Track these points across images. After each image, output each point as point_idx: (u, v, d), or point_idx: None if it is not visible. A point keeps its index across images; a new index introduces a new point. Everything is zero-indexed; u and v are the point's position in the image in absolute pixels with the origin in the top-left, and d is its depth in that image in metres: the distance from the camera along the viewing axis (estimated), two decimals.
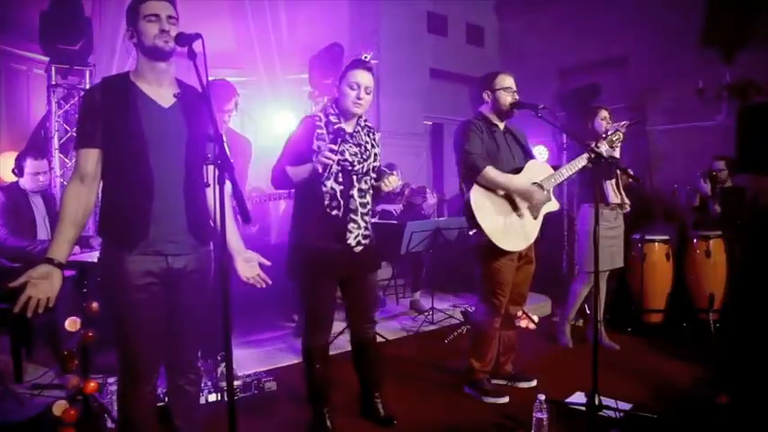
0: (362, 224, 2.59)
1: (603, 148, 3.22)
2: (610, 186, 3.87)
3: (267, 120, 6.29)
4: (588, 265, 4.00)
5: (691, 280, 4.70)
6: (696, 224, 4.91)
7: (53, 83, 4.90)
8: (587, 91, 6.01)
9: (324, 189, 2.50)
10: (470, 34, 7.86)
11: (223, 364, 2.96)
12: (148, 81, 1.96)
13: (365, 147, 2.63)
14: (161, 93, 1.97)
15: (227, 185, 1.67)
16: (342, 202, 2.53)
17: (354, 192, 2.57)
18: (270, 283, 2.17)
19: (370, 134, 2.70)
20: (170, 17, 1.92)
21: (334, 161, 2.41)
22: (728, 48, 5.72)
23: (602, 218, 3.80)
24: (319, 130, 2.55)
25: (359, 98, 2.55)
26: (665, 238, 4.71)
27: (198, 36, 1.82)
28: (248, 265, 2.16)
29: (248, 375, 3.18)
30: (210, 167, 1.84)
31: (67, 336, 2.91)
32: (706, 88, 5.78)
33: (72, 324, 2.75)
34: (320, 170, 2.41)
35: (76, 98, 4.93)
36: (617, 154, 3.48)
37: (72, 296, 2.93)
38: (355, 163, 2.56)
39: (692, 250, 4.68)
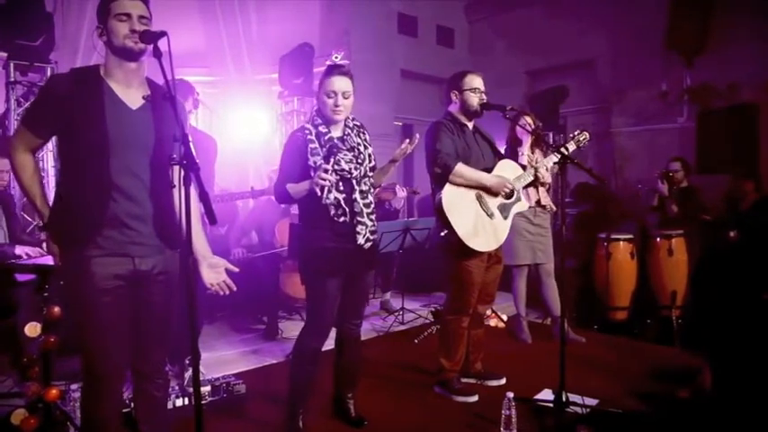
0: (369, 223, 2.61)
1: (571, 148, 3.26)
2: (524, 190, 3.92)
3: (237, 119, 6.23)
4: (510, 258, 4.07)
5: (654, 278, 4.82)
6: (660, 223, 5.03)
7: (12, 80, 4.75)
8: (555, 93, 6.11)
9: (327, 201, 2.50)
10: (441, 35, 7.91)
11: (191, 368, 2.92)
12: (117, 80, 1.92)
13: (358, 149, 2.62)
14: (130, 93, 1.93)
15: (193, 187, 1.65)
16: (347, 209, 2.54)
17: (357, 195, 2.57)
18: (234, 289, 2.12)
19: (361, 134, 2.69)
20: (141, 17, 1.88)
21: (331, 181, 2.40)
22: (689, 53, 5.88)
23: (519, 215, 3.89)
24: (312, 145, 2.54)
25: (337, 105, 2.54)
26: (630, 236, 4.82)
27: (163, 34, 1.80)
28: (213, 272, 2.11)
29: (217, 379, 3.14)
30: (176, 168, 1.81)
31: (27, 342, 2.82)
32: (669, 92, 5.95)
33: (32, 329, 2.66)
34: (319, 193, 2.41)
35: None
36: (553, 159, 3.45)
37: (32, 301, 2.85)
38: (352, 170, 2.56)
39: (655, 249, 4.80)
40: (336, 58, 2.67)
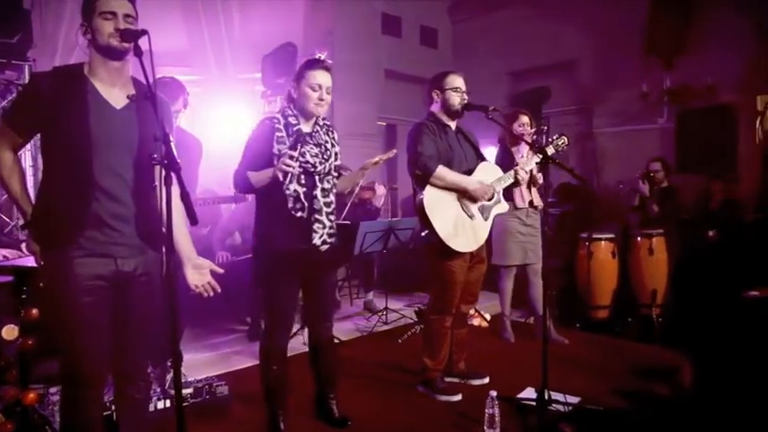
0: (327, 223, 2.59)
1: (550, 152, 3.29)
2: (517, 191, 3.96)
3: (219, 120, 6.18)
4: (499, 259, 4.16)
5: (635, 276, 4.87)
6: (640, 223, 5.10)
7: None
8: (537, 93, 6.16)
9: (287, 192, 2.48)
10: (424, 36, 7.92)
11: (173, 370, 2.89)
12: (101, 79, 1.90)
13: (325, 146, 2.62)
14: (114, 92, 1.92)
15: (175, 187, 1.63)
16: (306, 204, 2.52)
17: (318, 192, 2.56)
18: (219, 291, 2.11)
19: (329, 133, 2.69)
20: (127, 16, 1.86)
21: (294, 168, 2.39)
22: (669, 54, 5.96)
23: (512, 215, 3.94)
24: (279, 133, 2.52)
25: (321, 99, 2.54)
26: (611, 236, 4.87)
27: (144, 32, 1.79)
28: (198, 273, 2.09)
29: (199, 380, 3.11)
30: (158, 168, 1.80)
31: (4, 345, 2.77)
32: (649, 93, 6.02)
33: (9, 332, 2.62)
34: (281, 178, 2.40)
35: (15, 94, 4.71)
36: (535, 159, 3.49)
37: (9, 303, 2.80)
38: (317, 164, 2.55)
39: (636, 248, 4.86)
40: (320, 57, 2.68)
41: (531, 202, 4.08)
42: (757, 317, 4.33)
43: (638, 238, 4.86)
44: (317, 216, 2.54)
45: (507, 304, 4.37)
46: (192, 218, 1.63)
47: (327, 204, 2.59)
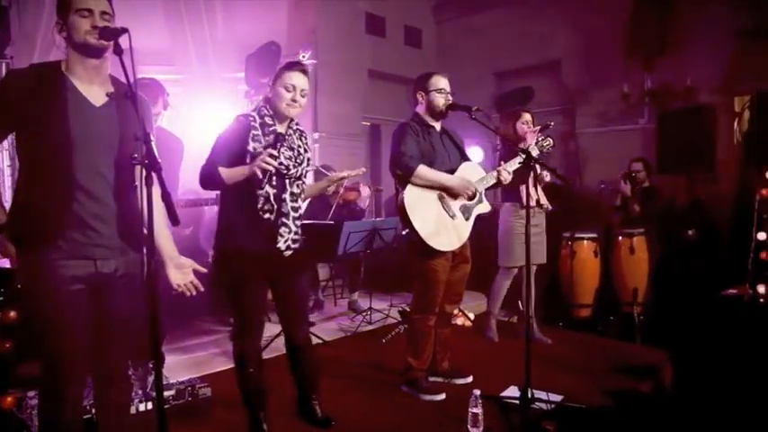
0: (293, 228, 2.56)
1: (534, 152, 3.31)
2: (524, 189, 3.99)
3: (202, 119, 6.12)
4: (505, 260, 4.16)
5: (616, 275, 4.93)
6: (622, 223, 5.15)
7: None
8: (521, 94, 6.20)
9: (258, 192, 2.45)
10: (408, 36, 7.93)
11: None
12: (80, 77, 1.87)
13: (298, 150, 2.61)
14: (93, 90, 1.89)
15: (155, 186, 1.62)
16: (275, 206, 2.50)
17: (287, 195, 2.54)
18: (202, 290, 2.10)
19: (302, 138, 2.68)
20: (104, 13, 1.84)
21: (275, 167, 2.37)
22: (649, 56, 6.04)
23: (518, 216, 3.96)
24: (255, 131, 2.50)
25: (294, 100, 2.52)
26: (593, 235, 4.92)
27: (124, 30, 1.76)
28: (180, 272, 2.08)
29: (182, 382, 3.08)
30: (138, 168, 1.78)
31: None
32: (630, 93, 6.09)
33: None
34: (260, 176, 2.37)
35: None
36: (534, 153, 3.55)
37: None
38: (290, 167, 2.54)
39: (618, 247, 4.91)
40: (303, 57, 2.67)
41: (537, 201, 4.08)
42: (734, 315, 4.41)
43: (620, 238, 4.92)
44: (283, 220, 2.52)
45: (498, 304, 4.38)
46: (173, 218, 1.61)
47: (295, 209, 2.57)
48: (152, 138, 1.69)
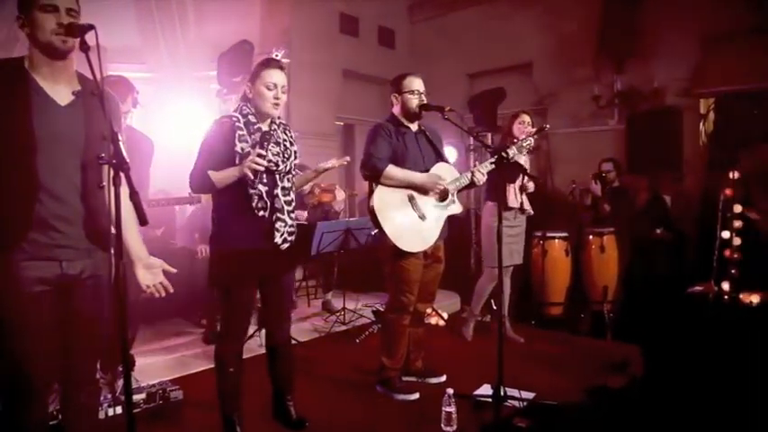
0: (289, 221, 2.58)
1: (512, 151, 3.33)
2: (512, 190, 4.05)
3: (173, 118, 6.04)
4: (490, 261, 4.19)
5: (586, 274, 5.01)
6: (592, 222, 5.24)
7: None
8: (493, 94, 6.25)
9: (252, 191, 2.46)
10: (382, 36, 7.94)
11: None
12: (44, 74, 1.81)
13: (284, 145, 2.60)
14: (58, 88, 1.83)
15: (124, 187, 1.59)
16: (268, 203, 2.50)
17: (279, 191, 2.54)
18: (171, 291, 2.07)
19: (287, 131, 2.67)
20: (70, 10, 1.77)
21: (264, 167, 2.37)
22: (619, 58, 6.15)
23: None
24: (240, 132, 2.49)
25: (276, 98, 2.51)
26: (564, 234, 4.99)
27: (90, 27, 1.71)
28: (149, 273, 2.05)
29: (153, 385, 3.03)
30: (106, 168, 1.74)
31: None
32: (600, 95, 6.19)
33: None
34: (251, 176, 2.37)
35: None
36: (522, 160, 3.63)
37: None
38: (279, 163, 2.53)
39: (588, 246, 4.99)
40: (277, 56, 2.66)
41: (521, 205, 4.14)
42: (700, 311, 4.52)
43: (590, 237, 5.00)
44: (278, 215, 2.53)
45: (480, 304, 4.40)
46: (142, 218, 1.59)
47: (288, 203, 2.58)
48: (120, 137, 1.66)
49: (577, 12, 6.44)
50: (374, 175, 3.04)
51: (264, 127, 2.57)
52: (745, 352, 3.67)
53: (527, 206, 4.18)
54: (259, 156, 2.34)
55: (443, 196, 3.20)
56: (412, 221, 3.11)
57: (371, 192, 3.13)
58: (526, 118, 4.11)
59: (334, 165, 2.86)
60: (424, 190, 3.15)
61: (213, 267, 2.59)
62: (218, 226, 2.57)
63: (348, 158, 3.05)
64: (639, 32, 5.99)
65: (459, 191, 3.28)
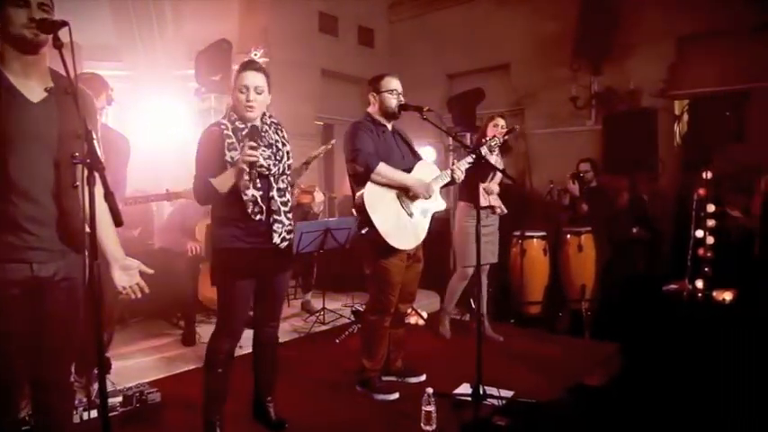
0: (286, 221, 2.57)
1: (483, 151, 3.37)
2: (483, 189, 4.08)
3: (150, 117, 5.96)
4: (462, 261, 4.23)
5: (564, 273, 5.06)
6: (570, 221, 5.30)
7: None
8: (472, 95, 6.28)
9: (245, 198, 2.45)
10: (362, 36, 7.94)
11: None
12: (14, 71, 1.76)
13: (276, 146, 2.58)
14: (30, 85, 1.78)
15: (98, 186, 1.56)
16: (263, 207, 2.50)
17: (274, 193, 2.53)
18: (147, 291, 2.05)
19: (279, 131, 2.65)
20: (42, 4, 1.73)
21: (257, 158, 2.36)
22: (596, 60, 6.23)
23: (471, 216, 4.06)
24: (229, 140, 2.47)
25: (249, 101, 2.49)
26: (543, 234, 5.04)
27: (64, 24, 1.67)
28: (126, 274, 2.02)
29: (129, 388, 2.99)
30: (80, 167, 1.71)
31: None
32: (578, 96, 6.27)
33: None
34: (247, 169, 2.37)
35: None
36: (492, 159, 3.64)
37: None
38: (271, 166, 2.52)
39: (566, 245, 5.05)
40: (256, 55, 2.63)
41: (491, 205, 4.18)
42: (675, 309, 4.60)
43: (568, 236, 5.05)
44: (275, 216, 2.53)
45: (453, 303, 4.44)
46: (117, 219, 1.56)
47: (284, 204, 2.58)
48: (94, 135, 1.63)
49: (555, 14, 6.51)
50: (366, 171, 3.02)
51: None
52: (718, 348, 3.75)
53: (496, 203, 4.22)
54: (251, 147, 2.34)
55: (430, 194, 3.23)
56: (402, 219, 3.12)
57: (354, 191, 3.13)
58: (501, 121, 4.18)
59: (320, 152, 2.89)
60: (413, 192, 3.16)
61: (213, 264, 2.60)
62: (217, 227, 2.57)
63: (333, 141, 3.05)
64: (615, 34, 6.08)
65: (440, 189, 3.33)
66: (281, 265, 2.66)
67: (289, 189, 2.64)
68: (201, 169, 2.48)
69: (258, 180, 2.49)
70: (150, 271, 2.07)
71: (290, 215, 2.61)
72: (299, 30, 6.98)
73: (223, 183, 2.42)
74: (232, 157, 2.44)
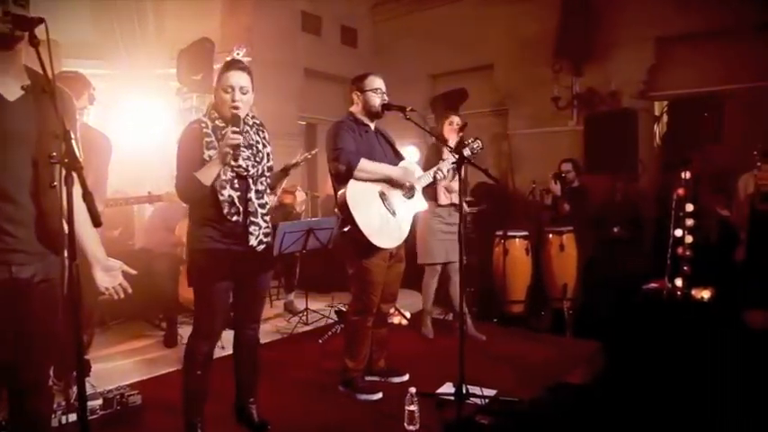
0: (263, 224, 2.54)
1: (466, 152, 3.39)
2: (441, 188, 4.11)
3: (132, 116, 5.89)
4: (422, 257, 4.29)
5: (547, 272, 5.10)
6: (552, 221, 5.34)
7: None
8: (455, 95, 6.31)
9: (221, 198, 2.42)
10: (345, 35, 7.93)
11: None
12: None
13: (257, 147, 2.56)
14: (6, 83, 1.75)
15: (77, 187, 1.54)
16: (240, 208, 2.47)
17: (252, 195, 2.50)
18: (130, 292, 2.03)
19: (260, 132, 2.62)
20: None
21: (240, 141, 2.35)
22: (577, 61, 6.30)
23: (435, 214, 4.08)
24: (208, 138, 2.44)
25: (234, 101, 2.47)
26: (525, 234, 5.07)
27: (40, 20, 1.64)
28: (108, 275, 2.00)
29: (110, 390, 2.95)
30: (58, 167, 1.68)
31: None
32: (560, 97, 6.33)
33: None
34: (231, 152, 2.34)
35: None
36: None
37: None
38: (249, 167, 2.49)
39: (548, 245, 5.08)
40: (238, 54, 2.62)
41: (452, 203, 4.19)
42: (654, 307, 4.66)
43: (550, 236, 5.09)
44: (252, 219, 2.50)
45: (430, 301, 4.47)
46: (95, 219, 1.54)
47: (262, 206, 2.55)
48: (73, 135, 1.60)
49: (537, 15, 6.57)
50: (348, 170, 3.01)
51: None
52: (697, 345, 3.81)
53: (455, 200, 4.25)
54: (234, 132, 2.33)
55: (411, 193, 3.21)
56: (385, 218, 3.12)
57: (336, 190, 3.12)
58: (455, 119, 4.26)
59: (299, 160, 2.86)
60: (395, 185, 3.16)
61: (189, 264, 2.56)
62: (194, 228, 2.54)
63: (315, 151, 3.04)
64: (597, 36, 6.15)
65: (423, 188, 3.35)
66: (259, 266, 2.63)
67: (267, 191, 2.61)
68: (183, 166, 2.44)
69: (236, 181, 2.46)
70: (133, 271, 2.05)
71: (267, 218, 2.58)
72: (282, 29, 6.95)
73: (207, 173, 2.38)
74: (210, 156, 2.41)
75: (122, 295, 2.02)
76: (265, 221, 2.56)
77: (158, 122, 5.80)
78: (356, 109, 3.25)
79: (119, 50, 6.09)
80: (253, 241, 2.50)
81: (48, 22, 1.66)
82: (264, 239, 2.56)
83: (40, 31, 1.64)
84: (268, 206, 2.60)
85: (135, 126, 5.74)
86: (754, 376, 3.32)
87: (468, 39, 7.23)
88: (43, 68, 1.60)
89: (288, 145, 6.71)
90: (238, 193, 2.46)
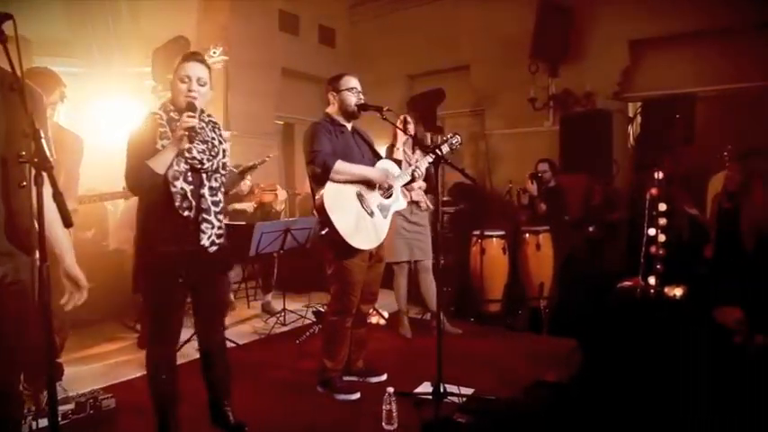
0: (216, 223, 2.47)
1: (445, 150, 3.39)
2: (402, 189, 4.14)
3: (105, 115, 5.80)
4: (388, 255, 4.24)
5: (523, 271, 5.15)
6: (529, 221, 5.39)
7: None
8: (432, 95, 6.34)
9: (173, 189, 2.35)
10: (322, 35, 7.91)
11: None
12: None
13: (212, 143, 2.51)
14: None
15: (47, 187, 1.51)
16: (193, 203, 2.40)
17: (205, 191, 2.44)
18: (85, 297, 1.99)
19: (216, 130, 2.58)
20: None
21: (196, 124, 2.30)
22: (553, 62, 6.37)
23: (396, 213, 4.10)
24: (162, 129, 2.39)
25: (190, 90, 2.42)
26: (502, 233, 5.11)
27: (8, 17, 1.61)
28: (69, 282, 1.96)
29: (83, 394, 2.90)
30: (27, 167, 1.64)
31: None
32: (536, 97, 6.40)
33: None
34: (186, 134, 2.29)
35: None
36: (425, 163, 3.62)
37: None
38: (204, 161, 2.44)
39: (525, 244, 5.13)
40: (215, 53, 2.58)
41: (414, 201, 4.21)
42: (628, 305, 4.74)
43: (527, 235, 5.14)
44: (204, 215, 2.43)
45: (403, 301, 4.48)
46: (66, 220, 1.51)
47: (215, 203, 2.49)
48: (42, 134, 1.57)
49: (514, 16, 6.63)
50: (324, 172, 2.99)
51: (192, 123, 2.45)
52: (669, 343, 3.87)
53: (419, 198, 4.27)
54: (189, 116, 2.29)
55: (389, 193, 3.22)
56: (362, 219, 3.11)
57: (314, 191, 3.11)
58: (408, 119, 4.23)
59: (257, 163, 2.87)
60: (373, 185, 3.16)
61: (136, 270, 2.48)
62: (142, 226, 2.46)
63: (270, 155, 3.01)
64: (572, 38, 6.23)
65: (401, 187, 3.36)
66: (213, 267, 2.55)
67: (221, 189, 2.54)
68: (134, 155, 2.36)
69: (190, 174, 2.40)
70: (86, 285, 2.00)
71: (220, 217, 2.51)
72: (259, 28, 6.90)
73: (160, 159, 2.32)
74: (163, 146, 2.35)
75: (71, 306, 1.98)
76: (218, 221, 2.49)
77: (132, 121, 5.72)
78: (332, 109, 3.24)
79: (92, 48, 6.00)
80: (204, 240, 2.43)
81: (18, 19, 1.62)
82: (217, 241, 2.48)
83: (8, 28, 1.61)
84: (222, 205, 2.53)
85: (108, 125, 5.66)
86: (723, 373, 3.39)
87: (446, 39, 7.27)
88: (11, 66, 1.56)
89: (265, 145, 6.68)
90: (191, 187, 2.40)
